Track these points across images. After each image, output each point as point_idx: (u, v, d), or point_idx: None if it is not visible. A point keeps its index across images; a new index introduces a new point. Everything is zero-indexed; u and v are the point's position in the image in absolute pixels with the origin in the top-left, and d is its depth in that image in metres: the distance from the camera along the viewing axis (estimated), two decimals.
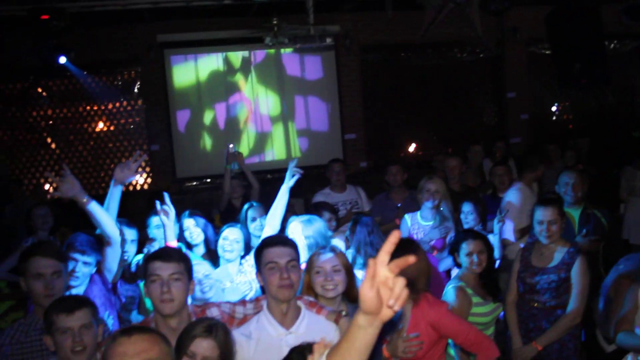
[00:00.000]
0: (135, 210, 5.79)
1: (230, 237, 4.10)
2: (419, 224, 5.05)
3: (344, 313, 2.76)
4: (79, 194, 3.17)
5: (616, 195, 7.36)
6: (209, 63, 9.03)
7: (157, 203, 3.56)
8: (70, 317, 2.40)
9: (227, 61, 9.07)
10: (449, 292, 3.61)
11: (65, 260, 3.06)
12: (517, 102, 10.15)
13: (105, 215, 3.26)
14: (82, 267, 3.35)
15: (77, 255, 3.33)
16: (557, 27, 7.08)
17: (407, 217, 5.16)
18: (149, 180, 8.96)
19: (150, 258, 2.62)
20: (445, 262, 4.71)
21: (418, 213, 5.11)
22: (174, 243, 3.55)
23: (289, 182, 4.09)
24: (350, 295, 3.00)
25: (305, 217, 4.01)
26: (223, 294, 3.75)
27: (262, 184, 6.10)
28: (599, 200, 7.03)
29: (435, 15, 7.73)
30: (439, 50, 9.78)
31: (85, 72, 8.29)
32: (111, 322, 3.41)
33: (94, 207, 3.20)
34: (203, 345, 2.24)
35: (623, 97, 10.89)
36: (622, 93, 10.77)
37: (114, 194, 3.39)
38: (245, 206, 4.94)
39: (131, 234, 4.09)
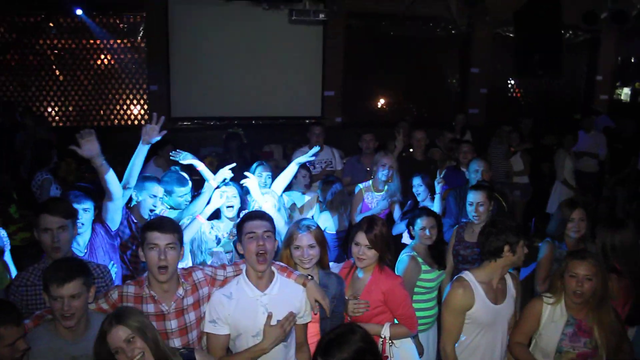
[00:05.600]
0: (127, 145, 5.82)
1: (229, 194, 3.98)
2: (372, 194, 5.16)
3: (309, 277, 2.91)
4: (97, 156, 3.18)
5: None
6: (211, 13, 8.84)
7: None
8: (60, 288, 2.41)
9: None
10: (403, 260, 3.78)
11: (72, 217, 3.03)
12: (479, 77, 10.29)
13: (111, 176, 3.27)
14: (83, 213, 3.34)
15: (75, 205, 3.27)
16: (523, 22, 7.20)
17: (362, 187, 5.20)
18: (146, 116, 8.91)
19: (148, 227, 2.68)
20: (397, 228, 4.96)
21: (370, 183, 5.20)
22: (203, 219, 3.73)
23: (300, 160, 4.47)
24: (322, 263, 3.16)
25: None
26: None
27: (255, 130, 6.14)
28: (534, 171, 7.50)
29: None
30: (417, 23, 9.77)
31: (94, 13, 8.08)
32: (115, 270, 3.47)
33: (109, 174, 3.24)
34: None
35: (570, 83, 11.16)
36: (569, 79, 11.02)
37: (141, 151, 3.46)
38: (255, 164, 4.85)
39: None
